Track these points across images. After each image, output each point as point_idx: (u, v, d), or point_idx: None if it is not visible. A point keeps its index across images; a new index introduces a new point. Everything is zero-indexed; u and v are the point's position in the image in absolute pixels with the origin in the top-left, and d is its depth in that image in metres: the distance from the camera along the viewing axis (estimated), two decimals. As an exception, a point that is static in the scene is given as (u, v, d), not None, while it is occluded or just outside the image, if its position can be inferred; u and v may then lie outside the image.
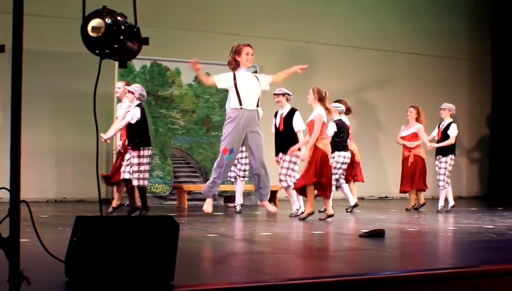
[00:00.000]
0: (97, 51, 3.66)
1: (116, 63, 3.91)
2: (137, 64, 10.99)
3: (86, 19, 3.66)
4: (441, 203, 10.41)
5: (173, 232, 3.76)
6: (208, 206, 7.06)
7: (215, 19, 12.56)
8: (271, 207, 7.06)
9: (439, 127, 10.69)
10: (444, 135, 10.47)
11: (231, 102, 6.78)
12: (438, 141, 10.56)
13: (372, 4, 14.11)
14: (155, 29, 11.23)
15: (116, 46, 3.63)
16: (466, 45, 15.20)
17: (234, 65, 6.83)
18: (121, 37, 3.63)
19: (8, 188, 3.32)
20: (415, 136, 10.71)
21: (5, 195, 3.38)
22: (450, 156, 10.41)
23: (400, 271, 4.40)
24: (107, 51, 3.64)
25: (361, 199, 13.73)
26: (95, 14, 3.66)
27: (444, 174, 10.37)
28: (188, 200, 10.44)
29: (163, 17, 12.07)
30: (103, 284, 3.55)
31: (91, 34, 3.63)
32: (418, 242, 6.44)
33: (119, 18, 3.65)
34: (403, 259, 5.25)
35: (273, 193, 11.11)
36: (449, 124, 10.50)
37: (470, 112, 15.26)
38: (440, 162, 10.41)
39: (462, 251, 5.94)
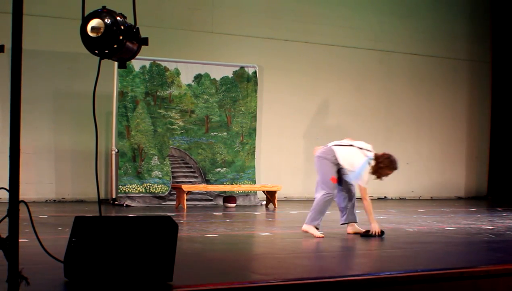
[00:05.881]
0: (96, 52, 3.66)
1: (116, 63, 3.91)
2: (136, 64, 10.97)
3: (86, 19, 3.66)
4: None
5: (172, 232, 3.76)
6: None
7: (214, 19, 12.55)
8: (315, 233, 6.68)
9: None
10: None
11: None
12: None
13: (371, 4, 14.09)
14: (155, 29, 11.22)
15: (115, 46, 3.63)
16: (465, 46, 15.19)
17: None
18: (121, 37, 3.63)
19: (7, 188, 3.32)
20: None
21: (4, 195, 3.38)
22: None
23: (399, 272, 4.40)
24: (106, 51, 3.64)
25: (359, 199, 13.73)
26: (94, 14, 3.66)
27: None
28: (187, 200, 10.42)
29: (163, 17, 12.06)
30: (102, 284, 3.54)
31: (90, 34, 3.63)
32: (417, 242, 6.44)
33: (118, 18, 3.65)
34: (402, 259, 5.25)
35: (272, 193, 11.11)
36: None
37: (469, 113, 15.25)
38: None
39: (461, 251, 5.94)
